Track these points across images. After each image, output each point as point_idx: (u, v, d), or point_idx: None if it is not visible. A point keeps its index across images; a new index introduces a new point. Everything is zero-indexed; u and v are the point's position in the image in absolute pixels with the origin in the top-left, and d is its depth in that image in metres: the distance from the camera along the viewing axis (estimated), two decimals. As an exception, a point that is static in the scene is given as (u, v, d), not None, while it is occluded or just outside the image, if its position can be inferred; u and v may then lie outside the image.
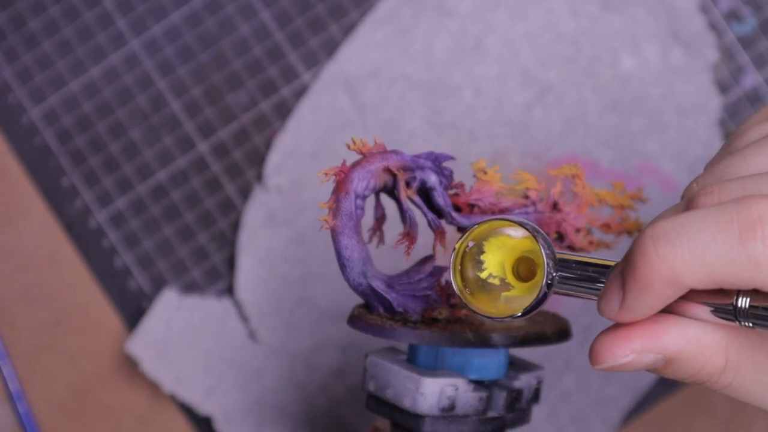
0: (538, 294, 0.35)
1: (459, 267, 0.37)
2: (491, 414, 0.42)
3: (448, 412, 0.41)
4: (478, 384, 0.42)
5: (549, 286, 0.35)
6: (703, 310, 0.31)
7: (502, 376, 0.43)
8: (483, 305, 0.36)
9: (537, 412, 0.60)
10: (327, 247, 0.61)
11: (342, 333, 0.62)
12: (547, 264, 0.34)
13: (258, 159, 0.62)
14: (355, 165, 0.43)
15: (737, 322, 0.31)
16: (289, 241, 0.61)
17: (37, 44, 0.63)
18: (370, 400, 0.44)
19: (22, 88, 0.63)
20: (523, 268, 0.37)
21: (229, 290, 0.62)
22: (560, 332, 0.43)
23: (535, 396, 0.44)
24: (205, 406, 0.62)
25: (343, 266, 0.42)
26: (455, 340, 0.40)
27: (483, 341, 0.41)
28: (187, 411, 0.63)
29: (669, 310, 0.32)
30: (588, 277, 0.34)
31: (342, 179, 0.42)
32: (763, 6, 0.61)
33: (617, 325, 0.33)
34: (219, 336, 0.62)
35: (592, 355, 0.33)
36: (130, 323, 0.63)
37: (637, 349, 0.32)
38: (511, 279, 0.36)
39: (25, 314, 0.63)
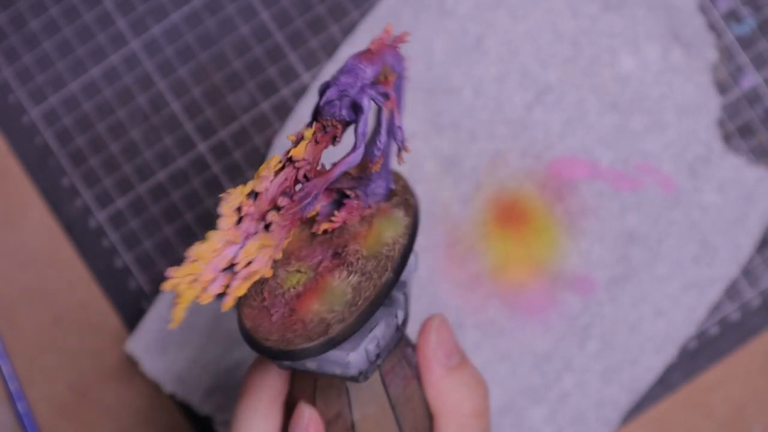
0: None
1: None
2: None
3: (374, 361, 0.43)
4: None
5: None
6: None
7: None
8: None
9: (536, 412, 0.60)
10: (327, 247, 0.61)
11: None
12: None
13: (258, 159, 0.62)
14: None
15: None
16: (289, 241, 0.61)
17: (37, 44, 0.63)
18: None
19: (22, 88, 0.63)
20: None
21: (229, 290, 0.63)
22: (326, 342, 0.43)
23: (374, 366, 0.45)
24: (205, 405, 0.62)
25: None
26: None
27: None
28: (188, 410, 0.63)
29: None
30: None
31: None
32: (762, 6, 0.61)
33: None
34: (219, 335, 0.62)
35: None
36: (130, 323, 0.63)
37: None
38: None
39: (25, 314, 0.63)
